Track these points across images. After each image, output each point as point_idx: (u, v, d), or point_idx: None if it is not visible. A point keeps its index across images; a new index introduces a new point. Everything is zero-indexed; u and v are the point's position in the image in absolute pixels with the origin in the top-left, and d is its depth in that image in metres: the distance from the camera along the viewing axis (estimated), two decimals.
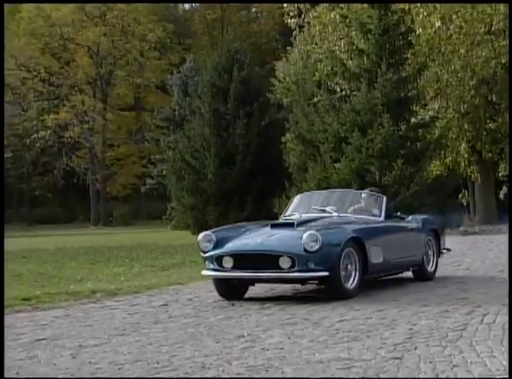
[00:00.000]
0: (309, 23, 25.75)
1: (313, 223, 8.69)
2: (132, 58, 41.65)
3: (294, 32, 27.45)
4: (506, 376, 4.20)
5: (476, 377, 4.35)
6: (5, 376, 4.03)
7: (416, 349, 5.45)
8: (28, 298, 9.18)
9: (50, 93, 41.54)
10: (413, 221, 9.90)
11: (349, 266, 8.21)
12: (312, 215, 9.27)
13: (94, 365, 5.34)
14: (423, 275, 9.89)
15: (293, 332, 6.35)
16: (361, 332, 6.25)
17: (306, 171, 22.40)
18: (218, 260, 8.31)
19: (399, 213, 10.31)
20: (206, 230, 9.25)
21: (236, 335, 6.35)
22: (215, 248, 8.37)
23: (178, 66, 38.33)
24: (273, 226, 8.72)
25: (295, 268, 7.92)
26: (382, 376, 4.67)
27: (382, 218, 9.39)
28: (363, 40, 21.66)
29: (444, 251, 10.48)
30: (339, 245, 8.03)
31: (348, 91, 22.03)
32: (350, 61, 22.19)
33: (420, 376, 4.63)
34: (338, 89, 22.37)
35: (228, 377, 4.83)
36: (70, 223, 43.40)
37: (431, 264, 10.07)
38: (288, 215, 9.61)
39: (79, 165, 41.92)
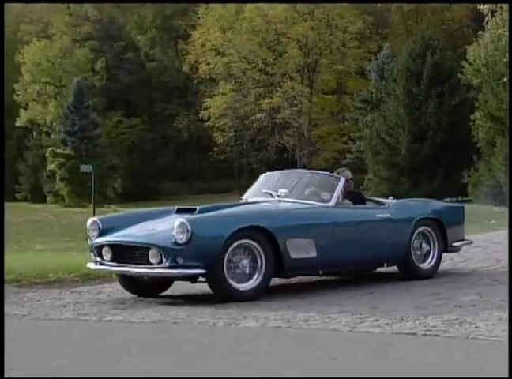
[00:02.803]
0: (501, 7, 24.11)
1: (219, 211, 6.56)
2: (335, 48, 41.53)
3: (486, 18, 25.85)
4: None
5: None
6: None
7: None
8: None
9: (266, 81, 42.67)
10: (394, 209, 7.20)
11: (244, 261, 6.10)
12: (256, 199, 7.09)
13: (306, 313, 5.47)
14: (413, 274, 7.16)
15: (485, 292, 6.10)
16: None
17: (494, 146, 21.39)
18: (98, 250, 6.56)
19: (391, 198, 7.80)
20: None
21: (431, 292, 6.21)
22: (99, 237, 6.61)
23: (375, 54, 37.67)
24: (178, 211, 6.74)
25: (163, 264, 6.05)
26: None
27: (332, 203, 6.82)
28: None
29: (456, 244, 7.58)
30: (221, 237, 5.97)
31: None
32: None
33: None
34: None
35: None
36: None
37: (428, 261, 7.30)
38: (243, 199, 7.36)
39: (288, 142, 42.78)
